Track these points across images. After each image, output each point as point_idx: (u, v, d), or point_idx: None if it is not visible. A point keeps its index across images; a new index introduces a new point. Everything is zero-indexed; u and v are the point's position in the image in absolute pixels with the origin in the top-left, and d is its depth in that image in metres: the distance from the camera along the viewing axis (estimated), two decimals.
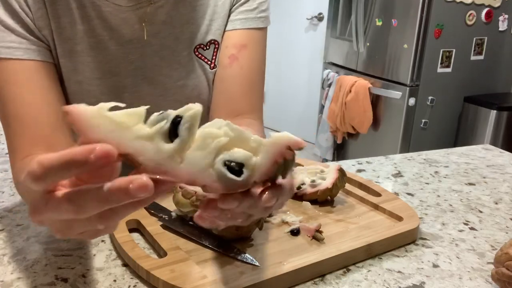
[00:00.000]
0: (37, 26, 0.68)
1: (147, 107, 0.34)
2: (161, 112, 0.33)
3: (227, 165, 0.33)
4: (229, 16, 0.78)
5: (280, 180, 0.36)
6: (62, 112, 0.32)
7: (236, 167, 0.33)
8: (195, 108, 0.34)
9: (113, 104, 0.33)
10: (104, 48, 0.72)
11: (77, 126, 0.31)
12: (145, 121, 0.33)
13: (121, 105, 0.33)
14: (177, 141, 0.33)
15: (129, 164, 0.32)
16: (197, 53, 0.78)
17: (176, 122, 0.33)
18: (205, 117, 0.84)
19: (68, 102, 0.74)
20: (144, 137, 0.32)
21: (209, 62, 0.79)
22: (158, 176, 0.32)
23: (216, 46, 0.78)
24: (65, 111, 0.31)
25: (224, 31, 0.78)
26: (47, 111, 0.68)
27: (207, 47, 0.78)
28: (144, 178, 0.30)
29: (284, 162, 0.34)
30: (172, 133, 0.33)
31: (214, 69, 0.79)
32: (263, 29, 0.80)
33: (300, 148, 0.35)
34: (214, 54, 0.79)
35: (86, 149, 0.30)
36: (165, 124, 0.33)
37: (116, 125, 0.31)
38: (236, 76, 0.78)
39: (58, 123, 0.70)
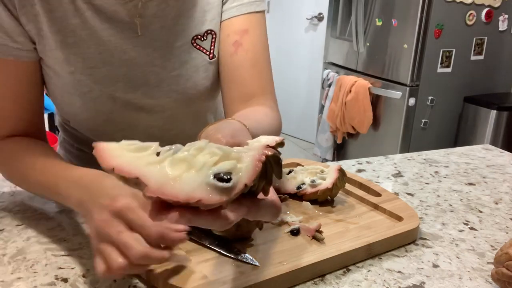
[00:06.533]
0: (21, 22, 0.69)
1: (157, 143, 0.39)
2: (170, 147, 0.39)
3: (217, 177, 0.36)
4: (222, 6, 0.78)
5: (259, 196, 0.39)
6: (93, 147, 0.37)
7: (225, 176, 0.36)
8: (202, 143, 0.38)
9: (133, 142, 0.38)
10: (97, 38, 0.73)
11: (101, 156, 0.36)
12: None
13: (138, 142, 0.38)
14: (181, 168, 0.37)
15: (137, 187, 0.36)
16: (195, 44, 0.78)
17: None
18: (203, 105, 0.85)
19: (60, 93, 0.76)
20: (153, 163, 0.37)
21: (207, 53, 0.79)
22: (159, 195, 0.35)
23: (214, 36, 0.79)
24: (93, 146, 0.37)
25: (221, 21, 0.79)
26: (22, 102, 0.74)
27: (205, 38, 0.78)
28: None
29: (270, 158, 0.37)
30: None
31: (214, 59, 0.80)
32: (260, 12, 0.80)
33: (280, 144, 0.38)
34: (212, 44, 0.79)
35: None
36: (170, 151, 0.38)
37: (132, 156, 0.37)
38: (243, 61, 0.78)
39: (35, 114, 0.76)
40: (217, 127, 0.50)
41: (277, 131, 0.76)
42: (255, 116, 0.70)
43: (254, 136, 0.52)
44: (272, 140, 0.38)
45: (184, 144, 0.39)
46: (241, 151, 0.37)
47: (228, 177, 0.35)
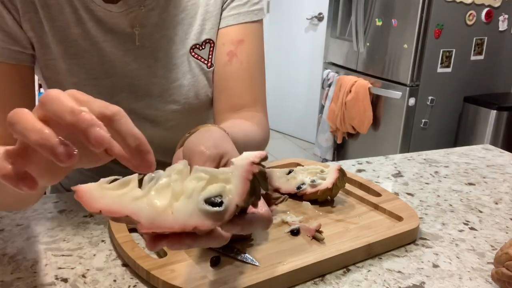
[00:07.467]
0: (23, 28, 0.68)
1: (137, 174, 0.38)
2: (151, 174, 0.38)
3: (208, 202, 0.36)
4: (221, 14, 0.78)
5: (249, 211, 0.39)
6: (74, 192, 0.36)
7: (216, 200, 0.36)
8: (181, 165, 0.38)
9: (112, 178, 0.37)
10: (99, 50, 0.72)
11: (83, 200, 0.36)
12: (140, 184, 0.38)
13: (119, 177, 0.38)
14: (167, 195, 0.37)
15: (130, 224, 0.38)
16: (193, 53, 0.77)
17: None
18: (205, 114, 0.84)
19: None
20: (139, 197, 0.37)
21: (205, 62, 0.78)
22: (154, 231, 0.36)
23: (212, 45, 0.78)
24: (73, 189, 0.36)
25: (218, 29, 0.78)
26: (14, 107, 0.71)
27: (203, 47, 0.78)
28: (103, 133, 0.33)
29: (257, 175, 0.37)
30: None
31: (211, 68, 0.79)
32: (258, 22, 0.79)
33: (263, 159, 0.38)
34: (210, 53, 0.79)
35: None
36: (153, 180, 0.38)
37: (116, 194, 0.37)
38: (236, 72, 0.78)
39: None
40: (198, 137, 0.49)
41: (263, 142, 0.76)
42: (241, 129, 0.70)
43: (236, 144, 0.53)
44: (256, 156, 0.38)
45: None
46: (227, 171, 0.38)
47: (219, 200, 0.36)
